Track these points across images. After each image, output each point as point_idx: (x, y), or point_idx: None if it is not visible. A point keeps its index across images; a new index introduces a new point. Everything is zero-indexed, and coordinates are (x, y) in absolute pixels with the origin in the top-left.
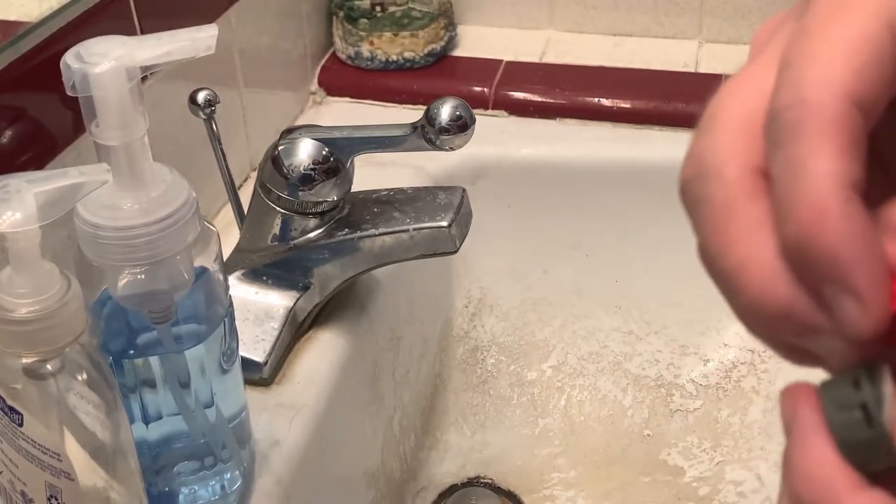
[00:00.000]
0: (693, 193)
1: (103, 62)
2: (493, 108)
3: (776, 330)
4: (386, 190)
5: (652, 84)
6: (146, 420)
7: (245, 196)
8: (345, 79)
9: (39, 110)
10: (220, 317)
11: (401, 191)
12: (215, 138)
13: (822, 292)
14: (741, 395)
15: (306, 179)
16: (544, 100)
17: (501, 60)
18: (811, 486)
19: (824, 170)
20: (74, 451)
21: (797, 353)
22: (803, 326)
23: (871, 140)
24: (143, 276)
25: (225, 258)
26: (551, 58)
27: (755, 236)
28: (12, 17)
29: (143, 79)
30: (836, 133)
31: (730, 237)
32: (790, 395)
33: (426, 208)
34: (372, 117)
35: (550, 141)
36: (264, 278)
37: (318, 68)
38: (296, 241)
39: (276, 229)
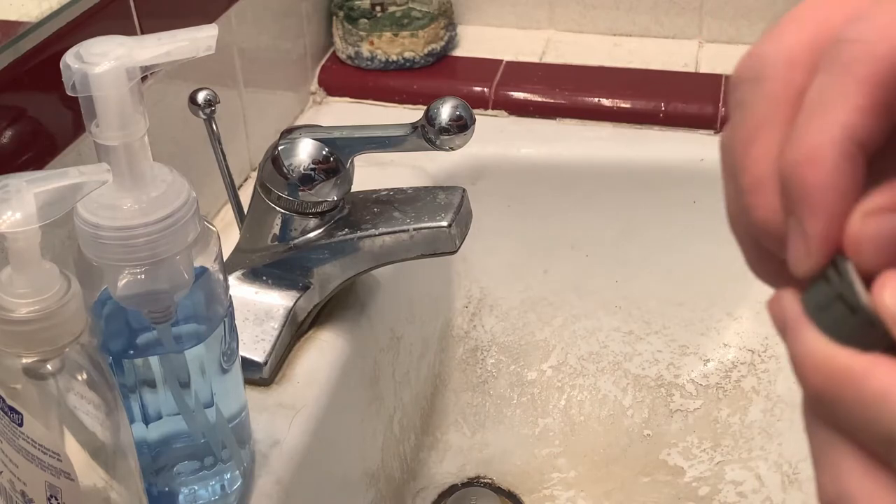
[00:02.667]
0: (740, 94)
1: (103, 62)
2: (493, 108)
3: (770, 245)
4: (386, 190)
5: (652, 84)
6: (146, 420)
7: (245, 196)
8: (345, 79)
9: (39, 110)
10: (220, 317)
11: (401, 191)
12: (215, 138)
13: (787, 222)
14: (741, 395)
15: (306, 179)
16: (544, 100)
17: (501, 60)
18: (820, 373)
19: (842, 118)
20: (74, 451)
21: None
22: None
23: None
24: (143, 276)
25: (225, 258)
26: (551, 58)
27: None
28: (12, 17)
29: (143, 79)
30: (875, 85)
31: (752, 156)
32: (777, 303)
33: (426, 208)
34: (372, 117)
35: (550, 141)
36: (264, 278)
37: (318, 68)
38: (296, 241)
39: (276, 229)
